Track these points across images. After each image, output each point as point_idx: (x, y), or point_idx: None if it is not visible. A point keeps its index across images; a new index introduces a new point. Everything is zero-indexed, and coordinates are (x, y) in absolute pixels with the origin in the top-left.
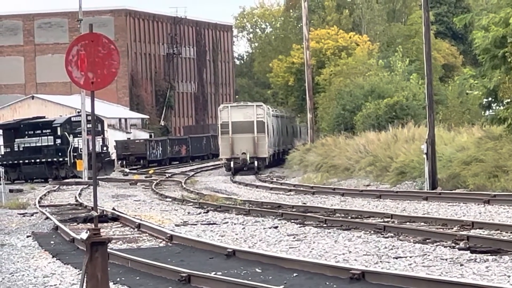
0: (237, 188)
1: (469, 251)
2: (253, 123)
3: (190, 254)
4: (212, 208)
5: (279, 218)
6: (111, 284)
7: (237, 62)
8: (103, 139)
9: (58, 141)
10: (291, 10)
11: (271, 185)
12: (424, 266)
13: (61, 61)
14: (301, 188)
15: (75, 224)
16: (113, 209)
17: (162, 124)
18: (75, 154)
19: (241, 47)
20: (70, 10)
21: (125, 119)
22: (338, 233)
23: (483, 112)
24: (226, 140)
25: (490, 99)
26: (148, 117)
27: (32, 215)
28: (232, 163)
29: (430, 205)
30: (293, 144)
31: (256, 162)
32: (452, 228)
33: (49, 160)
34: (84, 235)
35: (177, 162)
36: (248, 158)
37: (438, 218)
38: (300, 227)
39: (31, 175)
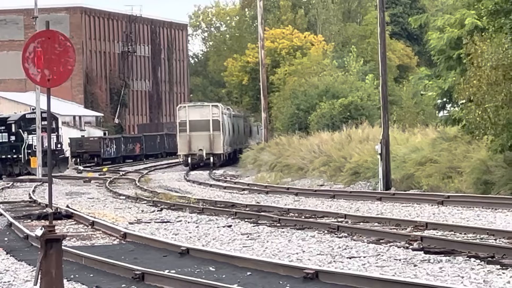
0: (191, 187)
1: (422, 252)
2: (209, 122)
3: (144, 252)
4: (166, 207)
5: (232, 217)
6: (65, 281)
7: (192, 61)
8: (57, 137)
9: (13, 138)
10: (246, 9)
11: (225, 184)
12: (377, 266)
13: (16, 58)
14: (255, 187)
15: (29, 221)
16: (67, 206)
17: (116, 122)
18: (29, 151)
19: (196, 46)
20: (25, 7)
21: (80, 117)
22: (292, 233)
23: (437, 113)
24: (184, 138)
25: (444, 100)
26: (102, 115)
27: None
28: (189, 159)
29: (384, 206)
30: (247, 143)
31: (212, 158)
32: (406, 229)
33: (3, 157)
34: (39, 232)
35: (131, 160)
36: (204, 155)
37: (392, 218)
38: (254, 226)
39: None
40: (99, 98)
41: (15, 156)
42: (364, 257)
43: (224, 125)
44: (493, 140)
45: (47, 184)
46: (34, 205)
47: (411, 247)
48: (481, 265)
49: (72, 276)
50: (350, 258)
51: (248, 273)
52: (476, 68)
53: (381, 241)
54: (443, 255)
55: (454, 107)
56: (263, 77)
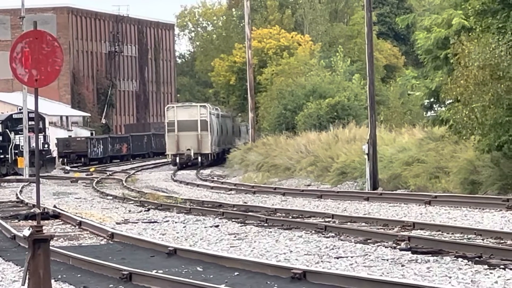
0: (178, 187)
1: (410, 252)
2: (197, 122)
3: (131, 252)
4: (153, 207)
5: (220, 217)
6: (52, 281)
7: (179, 61)
8: (45, 137)
9: None
10: (233, 9)
11: (212, 184)
12: (365, 266)
13: (3, 58)
14: (242, 188)
15: (16, 221)
16: (54, 206)
17: (103, 122)
18: (16, 151)
19: (183, 46)
20: (12, 7)
21: (67, 117)
22: (279, 233)
23: (424, 113)
24: (172, 138)
25: (432, 100)
26: (89, 115)
27: None
28: (177, 158)
29: (371, 206)
30: (234, 143)
31: (199, 158)
32: (393, 229)
33: None
34: (26, 232)
35: (118, 160)
36: (192, 154)
37: (379, 218)
38: (241, 226)
39: None
40: (86, 98)
41: (2, 156)
42: (352, 257)
43: (212, 125)
44: (480, 140)
45: (34, 184)
46: (21, 205)
47: (398, 247)
48: (469, 265)
49: (59, 276)
50: (337, 258)
51: (236, 273)
52: (463, 68)
53: (368, 241)
54: (430, 255)
55: (441, 107)
56: (250, 77)
